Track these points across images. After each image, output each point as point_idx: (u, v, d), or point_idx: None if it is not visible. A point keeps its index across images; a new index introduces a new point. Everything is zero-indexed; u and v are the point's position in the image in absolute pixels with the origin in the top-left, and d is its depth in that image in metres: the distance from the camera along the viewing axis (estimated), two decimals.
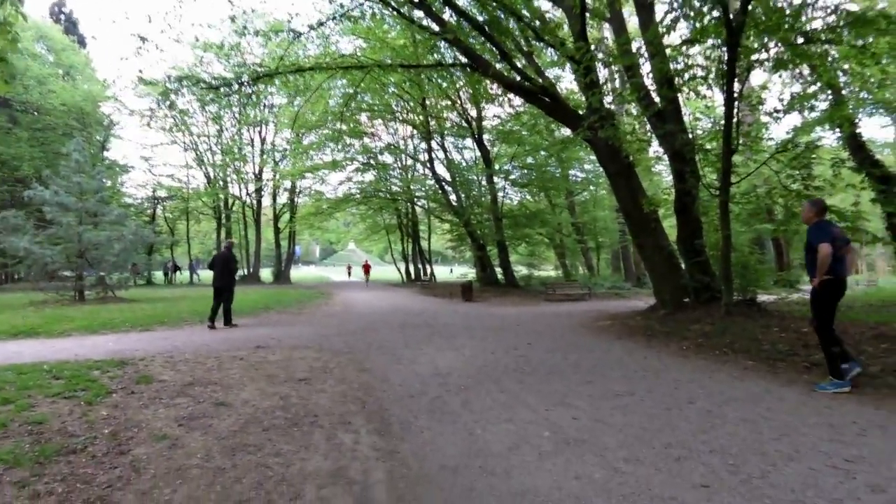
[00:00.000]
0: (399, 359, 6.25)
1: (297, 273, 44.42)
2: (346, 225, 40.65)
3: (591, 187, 25.48)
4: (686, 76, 8.49)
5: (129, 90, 27.20)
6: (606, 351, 6.70)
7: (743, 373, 5.23)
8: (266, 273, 35.01)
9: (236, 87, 11.93)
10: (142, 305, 13.51)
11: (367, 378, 5.21)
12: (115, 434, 3.41)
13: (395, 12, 11.72)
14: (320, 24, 12.43)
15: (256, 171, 31.31)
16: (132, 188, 32.30)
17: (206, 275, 9.73)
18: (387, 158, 25.89)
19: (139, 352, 6.51)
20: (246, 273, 32.50)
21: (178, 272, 33.25)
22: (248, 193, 32.07)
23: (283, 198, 32.77)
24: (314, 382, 4.97)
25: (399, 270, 34.32)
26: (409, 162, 26.55)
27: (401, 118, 23.54)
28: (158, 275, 32.92)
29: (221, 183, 31.40)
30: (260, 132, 31.32)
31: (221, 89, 11.71)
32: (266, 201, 33.25)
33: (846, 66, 8.20)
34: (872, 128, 52.85)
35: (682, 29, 8.22)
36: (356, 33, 17.15)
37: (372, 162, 24.74)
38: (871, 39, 7.17)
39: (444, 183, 23.41)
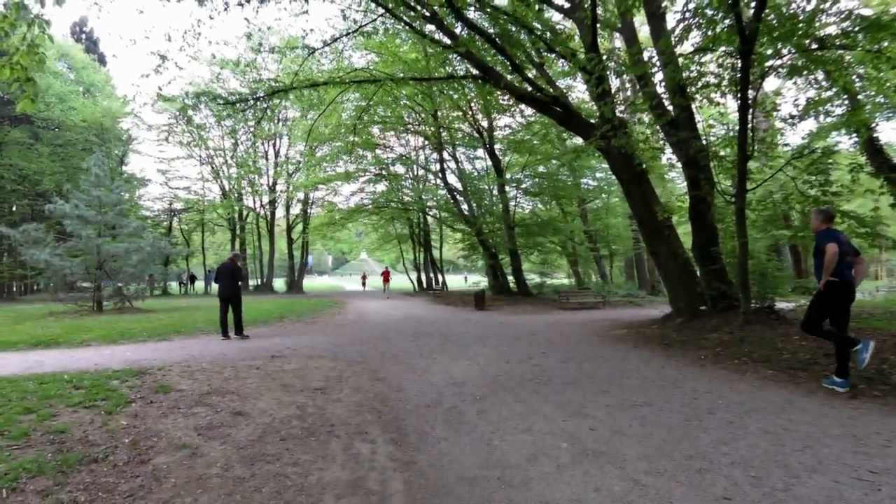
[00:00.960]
0: (413, 368, 6.25)
1: (310, 283, 44.76)
2: (358, 235, 40.89)
3: (604, 195, 25.36)
4: (699, 84, 8.47)
5: (147, 106, 27.76)
6: (622, 360, 6.63)
7: (763, 382, 5.14)
8: (279, 283, 35.31)
9: (252, 102, 12.14)
10: (158, 315, 13.71)
11: (381, 387, 5.22)
12: (136, 443, 3.45)
13: (407, 27, 11.87)
14: (334, 39, 12.65)
15: (270, 183, 31.75)
16: (149, 201, 33.00)
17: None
18: (399, 169, 26.08)
19: (157, 361, 6.60)
20: (260, 283, 32.83)
21: (193, 282, 33.70)
22: (262, 205, 32.50)
23: (296, 209, 33.18)
24: (330, 392, 4.99)
25: (411, 279, 34.37)
26: (421, 172, 26.71)
27: (412, 129, 23.74)
28: (174, 285, 33.39)
29: (236, 195, 31.88)
30: (274, 145, 31.84)
31: (237, 105, 11.93)
32: (279, 212, 33.67)
33: (861, 71, 8.12)
34: (890, 132, 51.98)
35: (695, 37, 8.21)
36: (369, 48, 17.38)
37: (384, 173, 24.93)
38: (886, 44, 7.09)
39: (455, 193, 23.49)
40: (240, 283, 9.65)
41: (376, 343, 8.56)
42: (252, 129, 28.99)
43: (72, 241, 15.08)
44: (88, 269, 15.09)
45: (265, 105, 13.30)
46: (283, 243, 34.98)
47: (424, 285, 32.35)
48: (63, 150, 26.21)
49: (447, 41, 10.95)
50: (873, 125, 10.80)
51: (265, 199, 32.10)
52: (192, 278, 33.79)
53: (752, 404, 4.32)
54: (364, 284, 36.97)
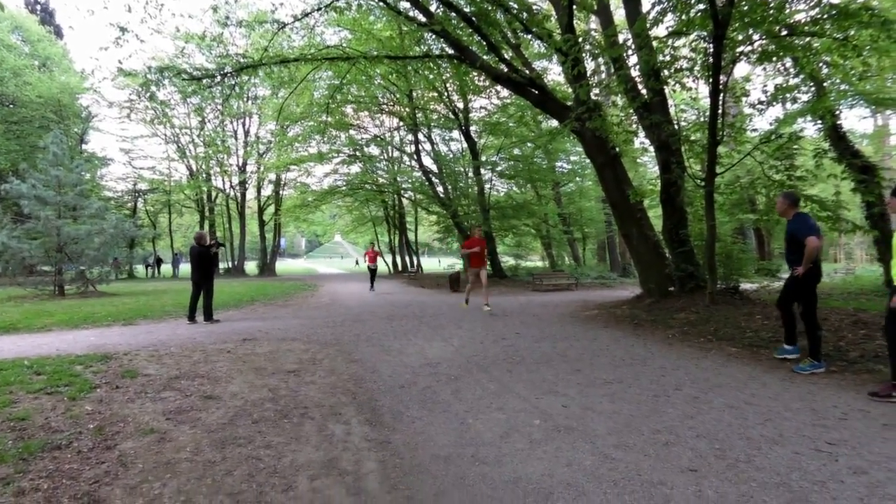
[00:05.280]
0: (388, 350, 6.24)
1: (283, 266, 44.11)
2: (332, 217, 40.35)
3: (578, 178, 25.60)
4: (672, 68, 8.55)
5: (107, 82, 26.52)
6: (594, 339, 6.77)
7: (727, 359, 5.33)
8: (251, 266, 34.68)
9: (219, 78, 11.69)
10: (123, 300, 13.29)
11: (356, 369, 5.20)
12: (101, 429, 3.35)
13: (381, 3, 11.58)
14: (305, 14, 12.21)
15: (240, 164, 30.89)
16: (112, 181, 31.74)
17: (189, 268, 9.55)
18: (373, 150, 25.69)
19: (122, 346, 6.41)
20: (231, 266, 32.16)
21: (160, 265, 32.77)
22: (231, 186, 31.67)
23: (267, 190, 32.50)
24: (303, 374, 4.94)
25: (386, 262, 34.24)
26: (396, 154, 26.40)
27: (387, 110, 23.34)
28: (140, 269, 32.41)
29: (204, 175, 30.94)
30: (244, 124, 30.93)
31: (203, 80, 11.47)
32: (250, 194, 32.87)
33: (828, 59, 8.31)
34: (853, 119, 53.96)
35: (669, 21, 8.26)
36: (342, 24, 16.89)
37: (358, 154, 24.53)
38: (852, 32, 7.26)
39: (430, 175, 23.34)
40: (210, 264, 9.22)
41: (351, 325, 8.51)
42: (220, 107, 28.02)
43: (30, 222, 14.41)
44: (48, 252, 14.47)
45: (233, 82, 12.83)
46: (254, 225, 34.25)
47: (399, 268, 32.27)
48: (18, 127, 24.86)
49: (422, 19, 10.73)
50: (837, 112, 11.15)
51: (235, 180, 31.29)
52: (159, 261, 32.85)
53: (716, 380, 4.48)
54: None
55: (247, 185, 31.68)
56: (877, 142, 21.40)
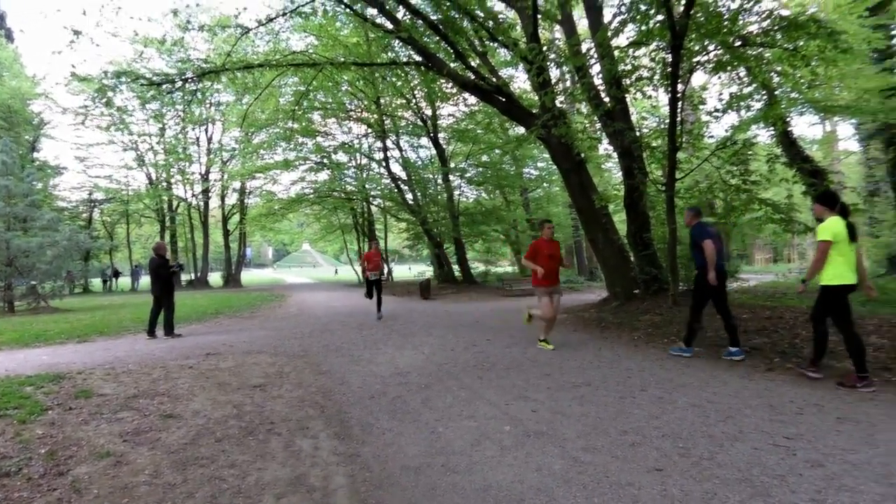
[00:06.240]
0: (357, 360, 6.16)
1: (249, 276, 43.05)
2: (299, 226, 39.68)
3: (545, 184, 25.98)
4: (633, 77, 8.81)
5: (61, 87, 25.30)
6: (562, 343, 6.86)
7: (690, 360, 5.49)
8: (215, 277, 33.70)
9: (179, 83, 11.36)
10: (78, 315, 12.68)
11: (325, 381, 5.10)
12: (53, 453, 3.17)
13: (347, 9, 11.51)
14: (270, 19, 12.01)
15: (203, 172, 30.03)
16: (66, 191, 30.30)
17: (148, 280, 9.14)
18: (341, 157, 25.43)
19: (77, 365, 6.09)
20: (194, 277, 31.16)
21: (117, 279, 31.46)
22: (193, 195, 30.71)
23: (232, 198, 31.62)
24: (269, 388, 4.81)
25: (355, 270, 33.87)
26: (364, 161, 26.20)
27: (355, 117, 23.18)
28: (97, 282, 31.04)
29: (165, 184, 29.91)
30: (206, 130, 30.07)
31: (163, 86, 11.12)
32: (214, 202, 31.98)
33: (779, 68, 8.72)
34: (803, 126, 56.80)
35: (630, 31, 8.53)
36: (308, 30, 16.72)
37: (325, 161, 24.24)
38: (801, 43, 7.64)
39: (399, 182, 23.27)
40: (169, 276, 8.84)
41: (319, 336, 8.36)
42: (181, 113, 27.23)
43: None
44: None
45: (194, 87, 12.51)
46: (218, 235, 33.30)
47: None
48: None
49: (389, 26, 10.73)
50: (788, 119, 11.72)
51: (198, 189, 30.36)
52: (117, 274, 31.50)
53: (680, 380, 4.60)
54: (374, 268, 12.31)
55: (210, 194, 30.82)
56: (826, 147, 22.57)
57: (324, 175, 25.26)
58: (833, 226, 4.25)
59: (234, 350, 7.03)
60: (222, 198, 31.40)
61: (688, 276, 9.13)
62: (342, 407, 4.17)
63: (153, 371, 5.64)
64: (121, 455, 3.18)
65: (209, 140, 30.15)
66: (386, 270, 30.08)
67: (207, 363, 6.08)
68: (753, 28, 7.97)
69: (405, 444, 3.27)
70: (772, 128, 10.88)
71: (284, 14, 11.89)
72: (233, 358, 6.41)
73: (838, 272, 4.20)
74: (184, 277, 31.24)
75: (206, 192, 30.34)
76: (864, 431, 3.17)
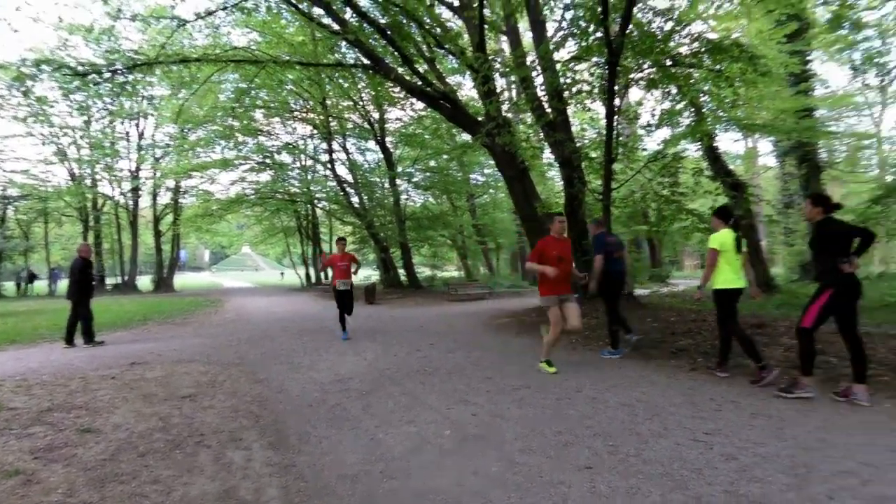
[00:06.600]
0: (297, 367, 5.98)
1: (183, 280, 40.77)
2: (239, 227, 38.07)
3: (492, 190, 26.44)
4: (573, 90, 9.20)
5: None
6: (505, 347, 6.99)
7: (622, 360, 5.76)
8: (145, 281, 31.64)
9: (108, 74, 10.64)
10: None
11: (261, 390, 4.92)
12: None
13: (292, 7, 11.25)
14: (209, 13, 11.54)
15: (133, 169, 28.15)
16: None
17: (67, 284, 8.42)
18: (285, 158, 24.69)
19: None
20: (121, 281, 29.12)
21: (33, 282, 28.83)
22: (122, 193, 28.70)
23: (164, 198, 29.80)
24: (200, 399, 4.58)
25: (298, 274, 32.95)
26: (309, 162, 25.58)
27: (300, 117, 22.60)
28: (10, 286, 28.30)
29: (89, 181, 27.77)
30: (137, 125, 28.22)
31: (89, 77, 10.37)
32: (144, 201, 30.02)
33: (706, 87, 9.38)
34: (728, 142, 61.42)
35: (571, 46, 8.90)
36: (251, 26, 16.15)
37: (268, 161, 23.45)
38: (725, 65, 8.26)
39: (345, 184, 22.91)
40: (81, 281, 8.12)
41: (258, 342, 8.05)
42: (109, 106, 25.42)
43: None
44: None
45: (124, 79, 11.78)
46: (148, 236, 31.35)
47: (314, 280, 31.21)
48: None
49: (336, 27, 10.58)
50: (713, 135, 12.61)
51: (126, 187, 28.40)
52: (32, 277, 28.85)
53: (612, 381, 4.81)
54: (342, 276, 9.18)
55: (140, 193, 28.92)
56: (748, 162, 24.45)
57: (266, 175, 24.45)
58: (721, 237, 4.74)
59: (163, 359, 6.64)
60: (154, 197, 29.55)
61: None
62: (279, 416, 4.04)
63: (70, 382, 5.23)
64: (31, 473, 2.91)
65: (140, 135, 28.29)
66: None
67: (132, 373, 5.70)
68: (684, 49, 8.55)
69: (343, 451, 3.22)
70: (699, 143, 11.68)
71: (225, 8, 11.47)
72: (161, 367, 6.04)
73: (727, 278, 4.68)
74: (109, 281, 29.13)
75: (135, 190, 28.41)
76: (774, 426, 3.44)
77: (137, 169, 28.11)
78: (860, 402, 3.80)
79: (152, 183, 28.46)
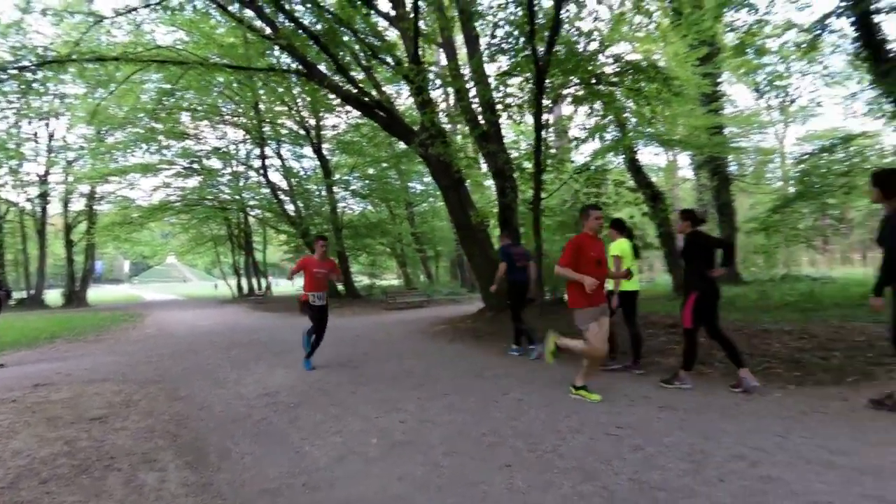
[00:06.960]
0: (222, 382, 5.74)
1: (99, 293, 37.68)
2: (163, 236, 35.80)
3: (430, 199, 26.62)
4: (505, 103, 9.54)
5: None
6: (439, 354, 7.08)
7: (547, 364, 6.00)
8: (55, 295, 28.95)
9: (14, 71, 9.78)
10: None
11: (181, 407, 4.68)
12: None
13: (220, 9, 10.85)
14: (130, 9, 10.89)
15: (41, 173, 25.76)
16: None
17: None
18: (214, 163, 23.60)
19: None
20: (27, 296, 26.48)
21: None
22: (28, 199, 26.17)
23: (78, 205, 27.47)
24: (112, 420, 4.29)
25: (229, 285, 31.49)
26: (241, 168, 24.60)
27: (230, 121, 21.72)
28: None
29: None
30: (47, 125, 25.89)
31: None
32: (54, 208, 27.55)
33: (628, 104, 10.02)
34: (650, 155, 65.43)
35: (504, 61, 9.24)
36: (177, 25, 15.37)
37: (196, 166, 22.31)
38: (643, 85, 8.88)
39: (279, 192, 22.24)
40: None
41: (180, 358, 7.63)
42: (15, 105, 23.17)
43: None
44: None
45: (33, 77, 10.86)
46: (58, 246, 28.73)
47: (245, 291, 29.94)
48: None
49: (268, 31, 10.32)
50: (635, 149, 13.48)
51: (33, 192, 25.92)
52: None
53: (538, 383, 5.03)
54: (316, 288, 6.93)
55: (49, 199, 26.50)
56: (669, 174, 26.25)
57: (193, 181, 23.24)
58: (620, 245, 5.44)
59: (72, 379, 6.14)
60: (65, 203, 27.17)
61: (552, 288, 10.00)
62: (199, 434, 3.87)
63: None
64: None
65: (50, 137, 25.97)
66: (265, 286, 28.45)
67: (35, 395, 5.23)
68: (608, 69, 9.10)
69: (266, 466, 3.15)
70: (622, 156, 12.45)
71: (148, 6, 10.88)
72: (68, 388, 5.58)
73: (627, 282, 5.29)
74: (15, 296, 26.38)
75: (44, 196, 26.01)
76: (678, 417, 3.75)
77: (46, 173, 25.76)
78: (750, 384, 4.28)
79: (64, 188, 26.19)
